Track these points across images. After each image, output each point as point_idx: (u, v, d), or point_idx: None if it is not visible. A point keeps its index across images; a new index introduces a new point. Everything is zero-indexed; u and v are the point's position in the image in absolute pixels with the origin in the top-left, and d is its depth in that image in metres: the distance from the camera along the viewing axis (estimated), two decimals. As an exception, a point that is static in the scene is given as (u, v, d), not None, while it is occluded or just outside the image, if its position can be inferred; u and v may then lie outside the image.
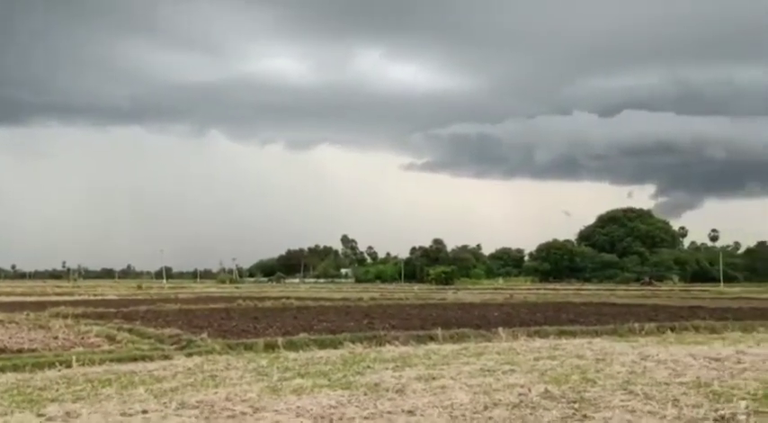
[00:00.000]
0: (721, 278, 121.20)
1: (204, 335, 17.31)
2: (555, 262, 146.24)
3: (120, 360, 14.15)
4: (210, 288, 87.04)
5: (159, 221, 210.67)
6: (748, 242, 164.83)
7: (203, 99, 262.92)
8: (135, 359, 14.28)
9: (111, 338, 17.96)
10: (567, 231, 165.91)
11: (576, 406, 9.06)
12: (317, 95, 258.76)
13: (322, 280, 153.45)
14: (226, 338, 17.20)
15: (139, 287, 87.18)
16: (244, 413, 8.69)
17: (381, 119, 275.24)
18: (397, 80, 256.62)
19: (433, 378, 11.40)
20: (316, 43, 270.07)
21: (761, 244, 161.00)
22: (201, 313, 28.76)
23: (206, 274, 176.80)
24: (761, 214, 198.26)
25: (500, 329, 19.17)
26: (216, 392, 10.10)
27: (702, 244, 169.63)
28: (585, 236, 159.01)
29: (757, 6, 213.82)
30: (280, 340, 16.50)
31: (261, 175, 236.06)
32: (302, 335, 17.67)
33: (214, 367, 12.99)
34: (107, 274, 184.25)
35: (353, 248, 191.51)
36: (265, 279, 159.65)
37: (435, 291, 76.01)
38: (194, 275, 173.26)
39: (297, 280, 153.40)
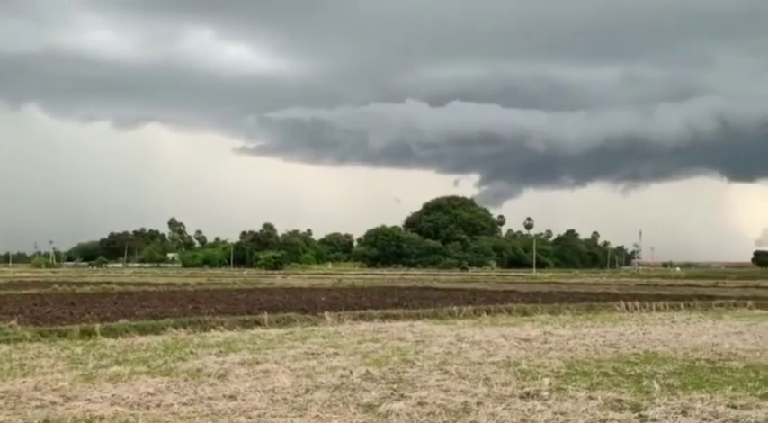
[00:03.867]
0: (534, 264, 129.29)
1: (14, 322, 16.25)
2: (383, 247, 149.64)
3: None
4: (24, 272, 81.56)
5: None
6: (559, 230, 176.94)
7: (18, 71, 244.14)
8: (-68, 349, 13.19)
9: None
10: (397, 218, 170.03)
11: (395, 386, 9.39)
12: (144, 72, 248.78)
13: (147, 264, 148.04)
14: (38, 325, 16.26)
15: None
16: (54, 402, 8.28)
17: (214, 100, 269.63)
18: (230, 61, 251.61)
19: (257, 362, 11.39)
20: (142, 18, 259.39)
21: (569, 232, 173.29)
22: (12, 299, 26.96)
23: (19, 258, 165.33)
24: (571, 204, 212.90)
25: (326, 313, 19.42)
26: (24, 382, 9.55)
27: (518, 232, 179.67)
28: (412, 222, 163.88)
29: (572, 7, 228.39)
30: (97, 326, 15.81)
31: (83, 153, 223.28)
32: (122, 321, 17.04)
33: (23, 355, 12.26)
34: None
35: (181, 232, 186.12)
36: (85, 263, 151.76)
37: (264, 275, 75.56)
38: (6, 259, 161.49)
39: (120, 264, 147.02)
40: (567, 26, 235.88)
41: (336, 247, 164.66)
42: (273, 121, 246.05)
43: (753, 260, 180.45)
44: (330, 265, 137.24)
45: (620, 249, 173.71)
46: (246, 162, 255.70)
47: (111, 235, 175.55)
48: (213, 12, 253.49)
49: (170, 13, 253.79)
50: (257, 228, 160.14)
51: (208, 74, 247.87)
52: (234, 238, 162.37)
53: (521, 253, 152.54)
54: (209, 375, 10.15)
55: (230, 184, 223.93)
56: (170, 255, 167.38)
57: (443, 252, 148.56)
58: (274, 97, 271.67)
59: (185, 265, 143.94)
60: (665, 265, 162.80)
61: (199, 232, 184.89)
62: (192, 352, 12.74)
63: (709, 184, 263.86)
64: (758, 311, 24.46)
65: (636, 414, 7.94)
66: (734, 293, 34.11)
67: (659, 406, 8.29)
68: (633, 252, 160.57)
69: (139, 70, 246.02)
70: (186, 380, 9.80)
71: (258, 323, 17.86)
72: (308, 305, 23.64)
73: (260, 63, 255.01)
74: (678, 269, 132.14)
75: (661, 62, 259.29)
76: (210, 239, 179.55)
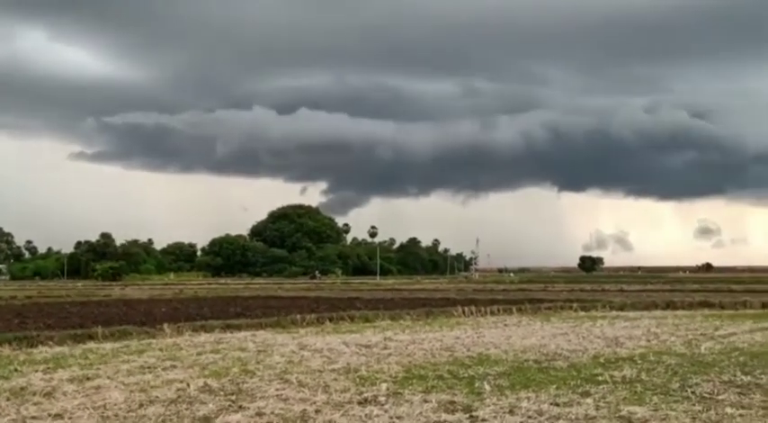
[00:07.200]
0: (378, 271, 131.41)
1: None
2: (227, 257, 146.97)
3: None
4: None
5: None
6: (402, 238, 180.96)
7: None
8: None
9: None
10: (245, 227, 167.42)
11: (233, 398, 9.29)
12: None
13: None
14: None
15: None
16: None
17: (48, 104, 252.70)
18: (66, 63, 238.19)
19: (88, 378, 10.92)
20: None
21: (412, 240, 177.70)
22: None
23: None
24: (414, 213, 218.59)
25: (165, 325, 18.89)
26: None
27: (363, 239, 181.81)
28: (257, 231, 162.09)
29: (412, 22, 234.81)
30: None
31: None
32: (-63, 339, 15.80)
33: None
34: None
35: (9, 243, 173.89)
36: None
37: (101, 287, 72.23)
38: None
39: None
40: (409, 40, 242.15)
41: (179, 257, 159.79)
42: (113, 126, 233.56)
43: (579, 265, 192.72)
44: (172, 276, 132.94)
45: (459, 256, 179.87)
46: (83, 168, 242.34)
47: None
48: (46, 13, 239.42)
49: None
50: (94, 237, 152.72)
51: (41, 76, 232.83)
52: (68, 248, 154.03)
53: (365, 261, 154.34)
54: (35, 394, 9.63)
55: (65, 191, 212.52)
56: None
57: (289, 261, 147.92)
58: (115, 102, 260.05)
59: (14, 278, 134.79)
60: (500, 270, 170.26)
61: (29, 242, 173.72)
62: (16, 369, 12.06)
63: (541, 194, 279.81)
64: (582, 313, 26.10)
65: (467, 415, 8.29)
66: (561, 297, 36.18)
67: (489, 406, 8.70)
68: (471, 259, 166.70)
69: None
70: (8, 399, 9.25)
71: (91, 337, 17.10)
72: (147, 317, 22.87)
73: (99, 67, 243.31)
74: (512, 275, 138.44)
75: (497, 77, 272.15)
76: (42, 250, 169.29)
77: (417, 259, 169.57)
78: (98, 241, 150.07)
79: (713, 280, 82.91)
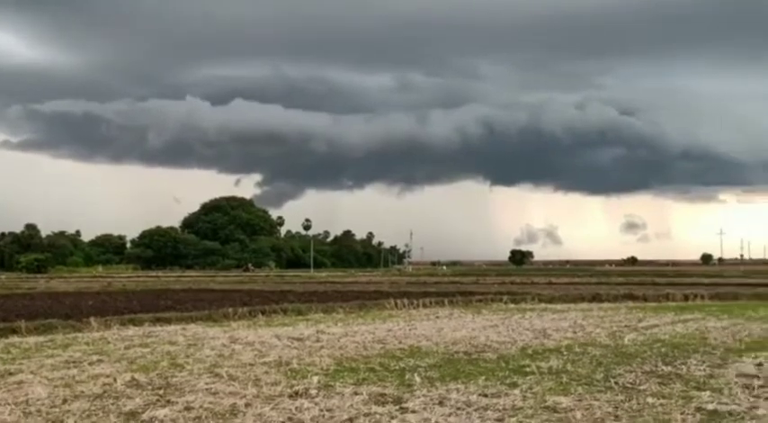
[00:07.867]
0: (312, 264, 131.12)
1: None
2: (158, 249, 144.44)
3: None
4: None
5: None
6: (336, 231, 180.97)
7: None
8: None
9: None
10: (177, 218, 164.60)
11: (161, 392, 9.16)
12: None
13: None
14: None
15: None
16: None
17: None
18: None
19: (10, 373, 10.63)
20: None
21: (346, 233, 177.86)
22: None
23: None
24: (349, 206, 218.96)
25: (92, 319, 18.48)
26: None
27: (297, 232, 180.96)
28: (189, 223, 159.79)
29: (346, 15, 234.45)
30: None
31: None
32: None
33: None
34: None
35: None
36: None
37: (25, 280, 70.07)
38: None
39: None
40: (344, 32, 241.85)
41: (108, 249, 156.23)
42: (40, 113, 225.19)
43: (509, 259, 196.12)
44: (100, 268, 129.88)
45: (393, 249, 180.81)
46: (8, 157, 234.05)
47: None
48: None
49: None
50: (19, 229, 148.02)
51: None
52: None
53: (299, 253, 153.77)
54: (-47, 390, 9.31)
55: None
56: None
57: (222, 253, 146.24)
58: (42, 89, 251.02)
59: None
60: (433, 264, 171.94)
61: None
62: (-67, 365, 11.61)
63: (474, 188, 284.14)
64: (512, 306, 26.57)
65: (397, 407, 8.36)
66: (492, 290, 36.66)
67: (419, 398, 8.80)
68: (405, 252, 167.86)
69: None
70: (-76, 396, 8.92)
71: (14, 331, 16.63)
72: (73, 311, 22.32)
73: (26, 52, 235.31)
74: (445, 268, 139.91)
75: (432, 71, 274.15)
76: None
77: (351, 252, 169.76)
78: (23, 232, 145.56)
79: (638, 273, 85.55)
